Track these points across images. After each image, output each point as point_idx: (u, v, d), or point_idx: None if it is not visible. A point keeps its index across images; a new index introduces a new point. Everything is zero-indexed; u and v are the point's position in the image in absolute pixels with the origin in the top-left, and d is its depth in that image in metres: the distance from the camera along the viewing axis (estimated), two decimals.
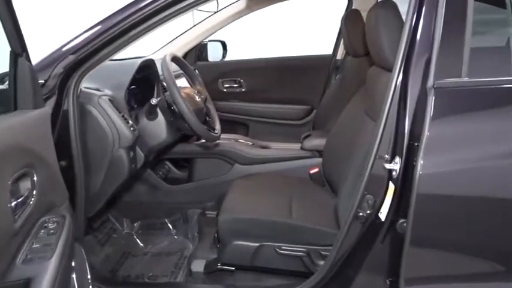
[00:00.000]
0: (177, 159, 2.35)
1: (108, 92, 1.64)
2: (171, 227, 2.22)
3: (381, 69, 1.56)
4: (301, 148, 2.23)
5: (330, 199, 1.78)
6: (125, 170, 1.60)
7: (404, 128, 1.15)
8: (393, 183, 1.18)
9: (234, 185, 1.92)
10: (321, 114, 2.69)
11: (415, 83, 1.15)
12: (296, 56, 3.04)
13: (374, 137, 1.21)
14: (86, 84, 1.59)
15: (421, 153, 1.09)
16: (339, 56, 2.87)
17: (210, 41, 3.00)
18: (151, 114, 1.80)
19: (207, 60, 2.99)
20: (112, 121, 1.55)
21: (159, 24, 1.41)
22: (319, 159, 2.16)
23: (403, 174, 1.15)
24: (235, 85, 2.99)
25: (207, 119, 2.03)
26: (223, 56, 3.07)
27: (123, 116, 1.61)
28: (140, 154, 1.75)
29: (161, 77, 1.91)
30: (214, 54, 3.03)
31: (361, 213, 1.23)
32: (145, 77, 2.04)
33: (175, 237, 2.17)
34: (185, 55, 2.88)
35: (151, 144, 1.82)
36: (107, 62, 1.49)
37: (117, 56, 1.50)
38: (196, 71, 2.77)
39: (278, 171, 2.20)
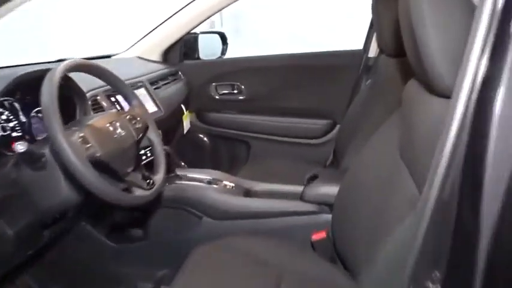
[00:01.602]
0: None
1: None
2: None
3: (426, 90, 0.82)
4: (301, 198, 1.48)
5: (343, 284, 1.14)
6: None
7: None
8: None
9: (193, 254, 1.26)
10: (346, 132, 1.90)
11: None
12: (314, 52, 2.23)
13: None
14: None
15: None
16: (372, 53, 2.04)
17: (202, 32, 2.27)
18: (35, 163, 1.11)
19: (196, 58, 2.27)
20: None
21: None
22: (328, 217, 1.41)
23: None
24: (232, 91, 2.26)
25: (143, 159, 1.33)
26: (223, 52, 2.33)
27: None
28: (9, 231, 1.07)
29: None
30: (207, 50, 2.30)
31: None
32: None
33: None
34: (167, 52, 2.17)
35: (44, 206, 1.14)
36: None
37: None
38: (180, 74, 2.09)
39: (265, 232, 1.47)
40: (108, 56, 2.12)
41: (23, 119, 1.31)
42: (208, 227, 1.53)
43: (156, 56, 2.16)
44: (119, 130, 1.18)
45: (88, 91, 1.43)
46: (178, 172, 1.65)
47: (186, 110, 2.16)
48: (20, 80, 1.19)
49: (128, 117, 1.26)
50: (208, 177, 1.63)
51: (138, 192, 1.17)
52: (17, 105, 1.29)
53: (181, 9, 2.07)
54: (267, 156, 2.18)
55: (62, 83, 1.34)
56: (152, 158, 1.33)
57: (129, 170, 1.20)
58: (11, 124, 1.27)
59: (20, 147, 1.01)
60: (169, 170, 1.66)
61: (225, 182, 1.62)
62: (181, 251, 1.45)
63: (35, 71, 1.17)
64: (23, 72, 1.21)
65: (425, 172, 0.67)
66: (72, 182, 1.10)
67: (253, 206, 1.51)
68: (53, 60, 1.68)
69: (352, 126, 1.79)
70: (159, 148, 1.33)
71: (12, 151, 1.16)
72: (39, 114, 1.37)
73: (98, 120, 1.16)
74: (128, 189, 1.16)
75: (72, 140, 1.02)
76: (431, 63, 0.75)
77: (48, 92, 1.02)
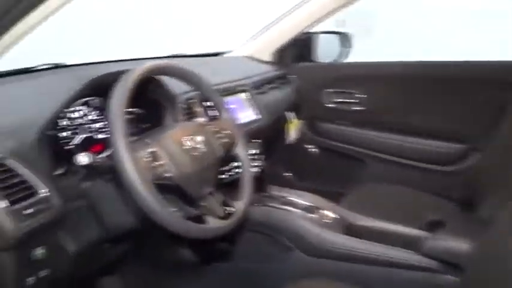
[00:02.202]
0: None
1: (2, 135, 0.89)
2: None
3: None
4: (420, 250, 1.16)
5: None
6: (8, 284, 0.84)
7: None
8: None
9: None
10: (491, 164, 1.50)
11: None
12: (456, 62, 1.82)
13: None
14: None
15: None
16: None
17: (319, 32, 2.02)
18: (104, 175, 0.98)
19: (311, 60, 2.02)
20: None
21: None
22: (453, 281, 1.08)
23: None
24: (349, 100, 1.96)
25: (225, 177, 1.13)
26: (342, 56, 2.05)
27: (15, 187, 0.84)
28: (64, 252, 0.95)
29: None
30: (324, 52, 2.04)
31: None
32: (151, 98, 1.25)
33: None
34: (278, 52, 1.97)
35: (110, 223, 1.01)
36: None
37: None
38: (290, 77, 1.88)
39: (366, 280, 1.19)
40: (217, 54, 1.99)
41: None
42: (299, 262, 1.30)
43: (267, 56, 1.97)
44: (200, 145, 1.00)
45: (181, 94, 1.29)
46: (273, 192, 1.44)
47: (294, 117, 1.94)
48: (106, 79, 1.08)
49: (213, 129, 1.08)
50: (306, 203, 1.39)
51: (212, 221, 0.98)
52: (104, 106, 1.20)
53: (297, 6, 1.85)
54: (383, 179, 1.85)
55: (149, 86, 1.22)
56: (236, 178, 1.13)
57: (206, 192, 1.02)
58: (98, 125, 1.19)
59: (82, 159, 0.89)
60: (262, 188, 1.46)
61: (324, 212, 1.37)
62: (267, 281, 1.25)
63: (119, 71, 1.04)
64: (108, 72, 1.10)
65: None
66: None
67: (356, 247, 1.23)
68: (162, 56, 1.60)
69: (501, 158, 1.39)
70: (247, 169, 1.13)
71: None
72: (130, 116, 1.28)
73: (176, 133, 1.00)
74: (200, 217, 0.98)
75: (138, 156, 0.87)
76: None
77: (117, 98, 0.88)
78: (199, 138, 1.01)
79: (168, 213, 0.87)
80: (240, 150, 1.14)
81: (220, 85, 1.48)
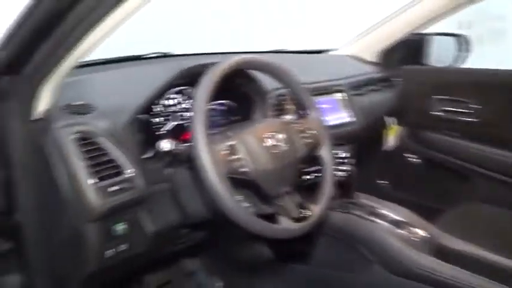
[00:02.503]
0: None
1: (99, 115, 0.96)
2: None
3: None
4: None
5: None
6: (87, 258, 0.91)
7: None
8: None
9: None
10: None
11: None
12: None
13: None
14: (73, 94, 0.97)
15: None
16: None
17: (437, 34, 1.86)
18: (186, 163, 1.01)
19: (421, 63, 1.88)
20: (71, 175, 0.87)
21: None
22: None
23: None
24: (460, 109, 1.78)
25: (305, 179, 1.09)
26: (457, 60, 1.87)
27: (101, 165, 0.90)
28: (143, 234, 1.01)
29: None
30: (440, 55, 1.88)
31: None
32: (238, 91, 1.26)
33: None
34: (384, 52, 1.87)
35: (190, 209, 1.05)
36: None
37: None
38: (394, 80, 1.77)
39: None
40: (321, 52, 1.95)
41: None
42: (378, 276, 1.21)
43: (371, 56, 1.88)
44: (281, 143, 0.98)
45: (273, 90, 1.28)
46: (360, 200, 1.36)
47: (394, 123, 1.82)
48: (198, 70, 1.11)
49: (298, 128, 1.05)
50: (395, 217, 1.29)
51: (284, 222, 0.95)
52: None
53: (410, 5, 1.72)
54: (488, 199, 1.65)
55: (242, 80, 1.23)
56: (317, 181, 1.09)
57: (283, 191, 1.00)
58: (189, 114, 1.23)
59: (164, 145, 0.92)
60: (348, 194, 1.39)
61: (413, 229, 1.26)
62: None
63: (209, 63, 1.06)
64: (200, 63, 1.13)
65: None
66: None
67: (442, 272, 1.11)
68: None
69: None
70: (330, 173, 1.08)
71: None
72: (222, 107, 1.30)
73: (258, 128, 0.99)
74: (273, 216, 0.96)
75: (215, 148, 0.88)
76: None
77: (201, 90, 0.89)
78: (281, 136, 0.99)
79: (239, 208, 0.87)
80: (324, 152, 1.10)
81: (315, 83, 1.44)
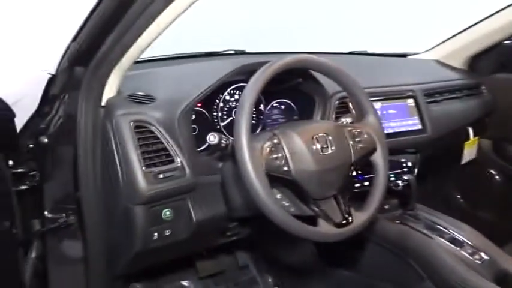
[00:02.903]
0: None
1: (157, 106, 1.02)
2: None
3: None
4: None
5: None
6: (135, 238, 0.98)
7: None
8: None
9: None
10: None
11: None
12: None
13: None
14: (136, 85, 1.05)
15: None
16: None
17: None
18: (233, 157, 1.03)
19: None
20: (125, 159, 0.95)
21: None
22: None
23: None
24: None
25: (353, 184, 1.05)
26: None
27: (159, 152, 0.97)
28: (187, 222, 1.04)
29: None
30: None
31: None
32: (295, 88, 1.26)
33: None
34: (474, 58, 1.73)
35: (234, 203, 1.07)
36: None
37: None
38: (484, 88, 1.65)
39: None
40: (401, 55, 1.86)
41: (261, 107, 1.28)
42: None
43: (460, 62, 1.75)
44: (330, 146, 0.97)
45: (335, 92, 1.26)
46: (419, 212, 1.29)
47: (478, 135, 1.67)
48: (255, 67, 1.12)
49: (352, 131, 1.03)
50: (456, 235, 1.20)
51: (323, 226, 0.94)
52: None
53: (507, 7, 1.57)
54: None
55: (304, 81, 1.23)
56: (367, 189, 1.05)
57: (328, 194, 0.99)
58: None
59: (212, 138, 0.96)
60: (407, 205, 1.33)
61: (475, 250, 1.16)
62: None
63: (264, 62, 1.07)
64: (257, 61, 1.14)
65: None
66: None
67: None
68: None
69: None
70: (382, 180, 1.04)
71: None
72: (282, 106, 1.32)
73: (307, 129, 0.98)
74: (314, 218, 0.95)
75: (257, 145, 0.90)
76: None
77: (250, 88, 0.91)
78: (331, 138, 0.98)
79: (275, 205, 0.87)
80: (378, 158, 1.06)
81: (385, 87, 1.39)
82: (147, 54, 1.41)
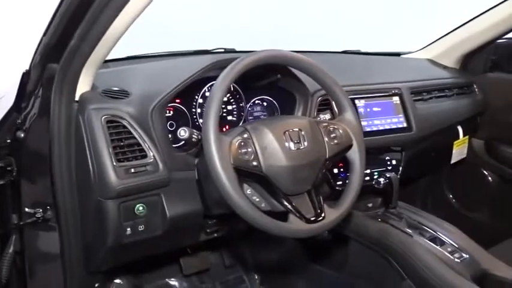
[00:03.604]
0: None
1: (131, 101, 1.03)
2: None
3: None
4: None
5: None
6: (107, 232, 0.98)
7: None
8: None
9: None
10: None
11: None
12: None
13: None
14: (113, 81, 1.06)
15: None
16: None
17: None
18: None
19: (509, 71, 1.68)
20: (96, 153, 0.95)
21: None
22: None
23: None
24: None
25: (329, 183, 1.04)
26: None
27: (133, 147, 0.98)
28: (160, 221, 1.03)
29: None
30: None
31: None
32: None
33: None
34: (466, 57, 1.72)
35: (210, 200, 1.07)
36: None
37: None
38: (476, 88, 1.63)
39: None
40: (397, 54, 1.85)
41: (242, 104, 1.28)
42: None
43: (452, 61, 1.73)
44: (303, 142, 0.96)
45: (317, 90, 1.25)
46: (401, 210, 1.28)
47: (468, 134, 1.65)
48: (228, 63, 1.11)
49: (327, 127, 1.02)
50: (437, 234, 1.19)
51: (294, 222, 0.93)
52: (240, 90, 1.26)
53: (499, 5, 1.55)
54: None
55: (279, 76, 1.22)
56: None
57: (300, 190, 0.98)
58: (229, 107, 1.26)
59: (182, 133, 0.96)
60: (389, 203, 1.32)
61: (455, 248, 1.14)
62: None
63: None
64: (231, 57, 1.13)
65: None
66: None
67: None
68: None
69: None
70: (357, 177, 1.03)
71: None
72: (263, 103, 1.31)
73: (280, 124, 0.98)
74: (285, 214, 0.95)
75: (225, 139, 0.90)
76: None
77: (218, 82, 0.91)
78: (304, 133, 0.97)
79: (241, 199, 0.86)
80: (354, 155, 1.05)
81: (369, 85, 1.38)
82: (138, 52, 1.43)
